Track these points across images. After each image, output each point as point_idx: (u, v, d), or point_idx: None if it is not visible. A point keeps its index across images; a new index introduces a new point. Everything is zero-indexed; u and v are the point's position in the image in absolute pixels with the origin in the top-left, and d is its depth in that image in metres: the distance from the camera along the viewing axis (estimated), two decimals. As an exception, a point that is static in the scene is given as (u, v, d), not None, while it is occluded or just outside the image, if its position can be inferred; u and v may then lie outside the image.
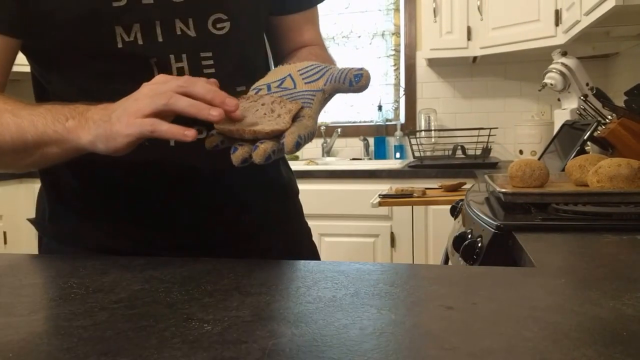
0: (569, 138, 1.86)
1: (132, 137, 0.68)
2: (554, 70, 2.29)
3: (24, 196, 2.90)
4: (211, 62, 0.84)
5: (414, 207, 2.52)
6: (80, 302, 0.61)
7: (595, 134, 1.65)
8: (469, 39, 2.74)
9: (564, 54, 2.32)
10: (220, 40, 0.84)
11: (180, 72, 0.82)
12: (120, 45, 0.80)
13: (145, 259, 0.80)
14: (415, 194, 2.04)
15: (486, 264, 0.97)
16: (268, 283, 0.68)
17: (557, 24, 2.37)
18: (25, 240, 2.86)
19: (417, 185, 2.30)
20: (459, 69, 3.11)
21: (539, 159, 2.09)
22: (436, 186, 2.17)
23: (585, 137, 1.66)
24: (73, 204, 0.91)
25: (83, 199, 0.91)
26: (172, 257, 0.80)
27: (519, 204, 1.15)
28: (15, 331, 0.53)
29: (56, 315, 0.58)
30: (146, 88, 0.70)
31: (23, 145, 0.75)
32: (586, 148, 1.72)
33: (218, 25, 0.83)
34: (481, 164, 2.58)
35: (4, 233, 2.78)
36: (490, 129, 2.72)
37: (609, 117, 1.77)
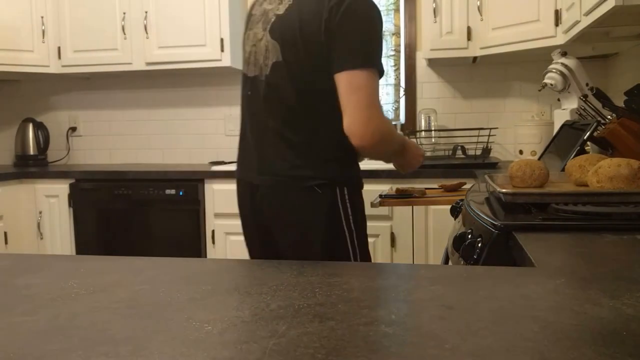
0: (568, 138, 1.86)
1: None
2: (554, 71, 2.29)
3: (24, 196, 2.90)
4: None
5: (414, 207, 2.52)
6: (81, 302, 0.61)
7: (595, 134, 1.65)
8: (469, 39, 2.74)
9: (564, 54, 2.32)
10: None
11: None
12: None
13: (146, 259, 0.81)
14: (415, 194, 2.04)
15: (486, 264, 0.97)
16: (268, 283, 0.68)
17: (557, 24, 2.37)
18: (26, 240, 2.86)
19: (418, 185, 2.30)
20: (459, 69, 3.11)
21: (539, 159, 2.09)
22: (436, 186, 2.17)
23: (585, 137, 1.66)
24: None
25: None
26: None
27: (519, 204, 1.15)
28: (17, 331, 0.53)
29: (57, 315, 0.58)
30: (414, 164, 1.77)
31: (392, 155, 1.72)
32: (586, 148, 1.72)
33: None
34: (481, 164, 2.57)
35: (5, 233, 2.79)
36: (490, 129, 2.72)
37: (609, 117, 1.77)
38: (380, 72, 1.51)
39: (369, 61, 1.47)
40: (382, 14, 1.60)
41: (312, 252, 1.61)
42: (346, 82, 1.47)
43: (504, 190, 1.16)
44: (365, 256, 1.69)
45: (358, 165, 1.66)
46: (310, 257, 1.64)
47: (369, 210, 2.12)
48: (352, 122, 1.46)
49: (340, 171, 1.60)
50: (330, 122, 1.53)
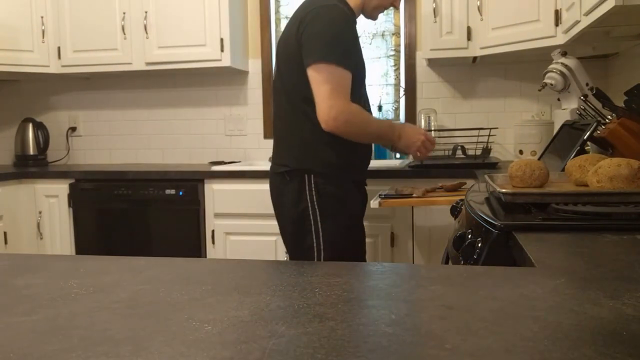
0: (569, 138, 1.86)
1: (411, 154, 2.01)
2: (554, 70, 2.29)
3: (24, 196, 2.90)
4: None
5: (414, 207, 2.52)
6: (80, 302, 0.61)
7: (595, 134, 1.65)
8: (469, 39, 2.74)
9: (564, 54, 2.32)
10: None
11: None
12: None
13: (146, 259, 0.81)
14: (415, 194, 2.04)
15: (486, 264, 0.97)
16: (268, 283, 0.68)
17: (557, 24, 2.37)
18: (26, 241, 2.86)
19: (418, 185, 2.30)
20: (459, 69, 3.11)
21: (539, 159, 2.08)
22: (436, 186, 2.17)
23: (585, 137, 1.66)
24: (346, 167, 1.90)
25: (351, 164, 1.92)
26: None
27: (519, 204, 1.15)
28: (16, 331, 0.53)
29: (57, 315, 0.58)
30: (425, 141, 1.94)
31: (379, 138, 1.96)
32: (586, 148, 1.71)
33: None
34: (481, 164, 2.57)
35: (4, 233, 2.78)
36: (490, 129, 2.72)
37: (609, 117, 1.77)
38: (346, 66, 1.75)
39: (329, 56, 1.73)
40: (348, 19, 1.84)
41: (286, 234, 1.93)
42: (312, 77, 1.75)
43: (504, 190, 1.16)
44: (337, 247, 1.84)
45: (348, 159, 1.88)
46: (286, 238, 1.95)
47: (369, 210, 2.13)
48: (318, 111, 1.75)
49: (314, 161, 1.83)
50: (309, 118, 1.81)
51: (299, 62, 1.79)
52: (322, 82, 1.73)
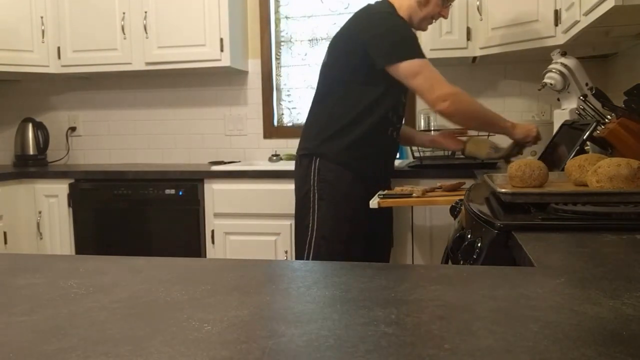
0: (568, 138, 1.86)
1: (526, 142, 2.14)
2: (554, 70, 2.29)
3: (24, 196, 2.90)
4: None
5: (413, 207, 2.51)
6: (80, 302, 0.61)
7: (594, 134, 1.64)
8: (468, 39, 2.73)
9: (564, 54, 2.32)
10: None
11: None
12: None
13: (145, 259, 0.81)
14: (415, 194, 2.04)
15: (486, 264, 0.97)
16: (268, 283, 0.68)
17: (556, 24, 2.37)
18: (26, 240, 2.86)
19: (418, 185, 2.29)
20: (458, 69, 3.11)
21: (539, 159, 2.08)
22: (435, 186, 2.17)
23: (584, 137, 1.66)
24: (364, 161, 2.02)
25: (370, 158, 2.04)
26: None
27: (518, 204, 1.15)
28: (16, 331, 0.53)
29: (56, 315, 0.58)
30: (535, 130, 2.09)
31: (490, 122, 2.10)
32: (586, 148, 1.71)
33: None
34: (481, 164, 2.57)
35: (4, 233, 2.78)
36: (490, 129, 2.71)
37: (609, 117, 1.77)
38: (423, 57, 1.95)
39: (406, 53, 1.91)
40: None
41: (294, 211, 2.07)
42: (402, 76, 1.92)
43: (503, 190, 1.16)
44: (328, 229, 1.86)
45: (357, 151, 1.97)
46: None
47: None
48: (427, 102, 1.96)
49: (324, 146, 1.97)
50: (332, 107, 1.97)
51: (345, 53, 1.96)
52: (414, 76, 1.89)
